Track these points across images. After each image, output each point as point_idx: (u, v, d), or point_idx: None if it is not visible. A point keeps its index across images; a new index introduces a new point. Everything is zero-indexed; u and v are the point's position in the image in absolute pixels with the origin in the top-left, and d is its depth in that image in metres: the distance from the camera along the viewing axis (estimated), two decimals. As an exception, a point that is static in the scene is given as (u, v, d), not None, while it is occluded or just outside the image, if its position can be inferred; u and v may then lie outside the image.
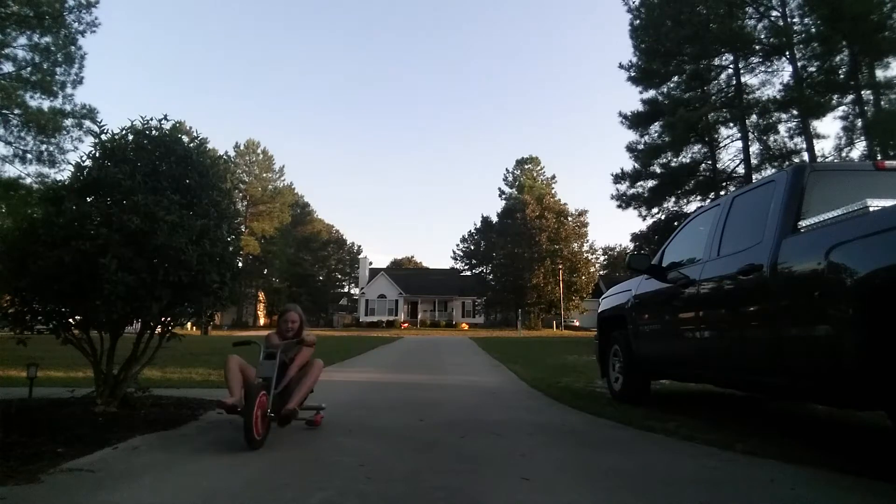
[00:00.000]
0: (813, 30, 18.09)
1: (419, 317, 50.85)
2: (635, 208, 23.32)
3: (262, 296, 55.08)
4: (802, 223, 3.06)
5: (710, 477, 2.60)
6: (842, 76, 17.74)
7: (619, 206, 23.91)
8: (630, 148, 23.54)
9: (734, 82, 21.26)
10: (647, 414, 4.32)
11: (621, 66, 22.98)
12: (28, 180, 18.04)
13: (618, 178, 23.46)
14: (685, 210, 21.98)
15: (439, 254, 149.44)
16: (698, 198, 22.29)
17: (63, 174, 17.22)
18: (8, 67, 17.95)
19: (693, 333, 4.06)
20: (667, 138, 21.98)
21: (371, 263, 56.55)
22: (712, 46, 20.00)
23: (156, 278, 3.71)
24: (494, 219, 54.98)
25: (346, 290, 67.41)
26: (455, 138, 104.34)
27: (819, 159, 18.14)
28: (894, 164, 3.37)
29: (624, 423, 4.01)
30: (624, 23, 41.63)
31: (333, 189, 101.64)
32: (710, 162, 22.52)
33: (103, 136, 4.21)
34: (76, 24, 18.35)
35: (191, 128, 8.49)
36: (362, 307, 51.55)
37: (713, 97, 21.85)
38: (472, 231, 61.40)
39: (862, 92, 17.65)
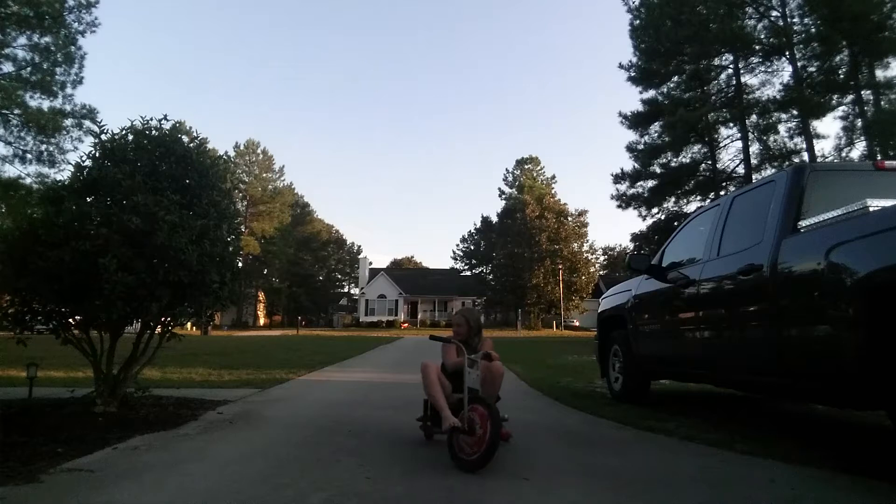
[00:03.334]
0: (813, 30, 18.08)
1: (419, 317, 50.84)
2: (635, 208, 23.32)
3: (262, 296, 55.06)
4: (802, 223, 3.06)
5: (710, 477, 2.60)
6: (842, 76, 17.73)
7: (619, 206, 23.93)
8: (630, 148, 23.55)
9: (734, 82, 21.25)
10: (647, 414, 4.32)
11: (621, 66, 23.00)
12: (28, 180, 18.06)
13: (618, 178, 23.45)
14: (685, 210, 21.97)
15: (439, 254, 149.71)
16: (698, 198, 22.29)
17: (63, 174, 17.13)
18: (8, 67, 17.98)
19: (693, 333, 4.06)
20: (667, 138, 21.96)
21: (371, 263, 56.61)
22: (712, 46, 19.98)
23: (156, 278, 3.71)
24: (494, 219, 55.04)
25: (346, 290, 67.42)
26: (455, 138, 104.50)
27: (819, 159, 18.13)
28: (894, 164, 3.37)
29: (624, 423, 4.01)
30: (624, 23, 41.61)
31: (333, 189, 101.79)
32: (710, 162, 22.49)
33: (103, 136, 4.21)
34: (76, 24, 18.40)
35: (191, 128, 8.51)
36: (362, 307, 51.53)
37: (713, 97, 21.84)
38: (472, 231, 61.52)
39: (862, 92, 17.65)
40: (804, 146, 19.09)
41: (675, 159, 22.81)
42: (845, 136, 18.91)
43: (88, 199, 3.96)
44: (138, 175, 3.92)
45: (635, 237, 23.96)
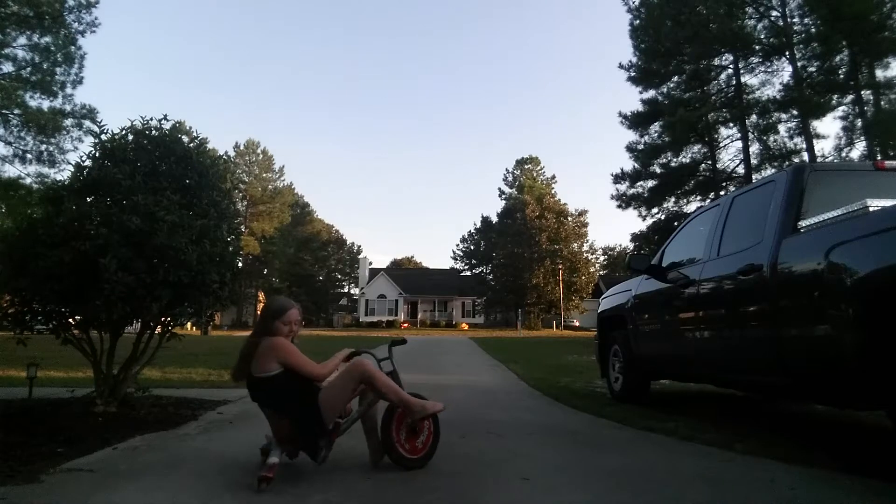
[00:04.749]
0: (813, 30, 18.07)
1: (419, 317, 50.83)
2: (635, 208, 23.30)
3: (261, 296, 54.99)
4: (802, 223, 3.06)
5: (710, 477, 2.60)
6: (842, 76, 17.71)
7: (619, 206, 23.89)
8: (630, 148, 23.53)
9: (734, 82, 21.22)
10: (647, 414, 4.32)
11: (621, 66, 22.98)
12: (28, 180, 18.05)
13: (618, 178, 23.43)
14: (685, 210, 21.95)
15: (439, 254, 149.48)
16: (698, 198, 22.27)
17: (63, 174, 17.24)
18: (8, 67, 17.96)
19: (693, 333, 4.06)
20: (667, 138, 21.94)
21: (371, 263, 56.59)
22: (712, 46, 19.97)
23: (156, 278, 3.71)
24: (494, 219, 54.99)
25: (346, 290, 67.40)
26: (455, 138, 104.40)
27: (819, 159, 18.12)
28: (894, 164, 3.37)
29: (624, 424, 4.01)
30: (624, 23, 41.59)
31: (333, 189, 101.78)
32: (710, 162, 22.47)
33: (103, 136, 4.21)
34: (76, 24, 18.36)
35: (191, 128, 8.51)
36: (362, 307, 51.53)
37: (713, 97, 21.81)
38: (472, 231, 61.44)
39: (862, 92, 17.63)
40: (804, 146, 19.07)
41: (675, 159, 22.81)
42: (845, 136, 18.90)
43: (88, 199, 3.96)
44: (138, 175, 3.92)
45: (635, 237, 23.96)
